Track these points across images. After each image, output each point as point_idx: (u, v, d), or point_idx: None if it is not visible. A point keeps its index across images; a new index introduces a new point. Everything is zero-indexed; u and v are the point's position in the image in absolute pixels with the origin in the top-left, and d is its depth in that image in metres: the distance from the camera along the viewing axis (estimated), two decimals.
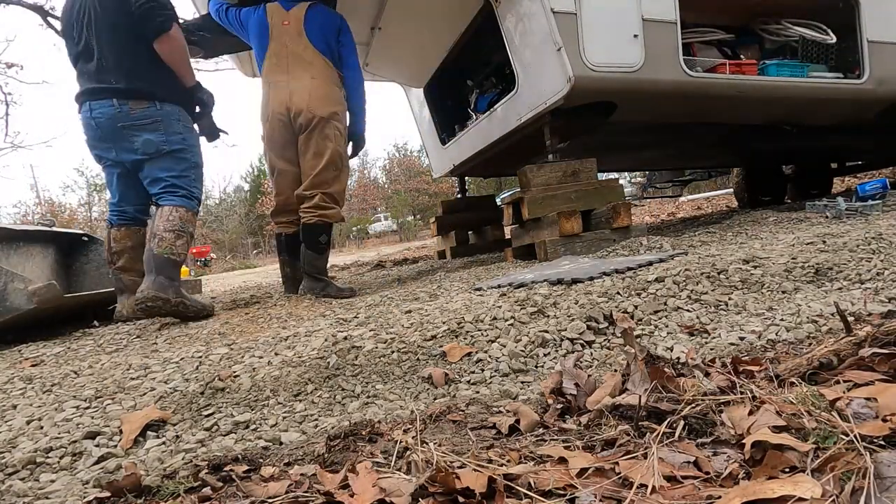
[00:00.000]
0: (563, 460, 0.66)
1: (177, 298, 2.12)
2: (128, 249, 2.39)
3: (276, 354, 1.40)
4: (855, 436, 0.56)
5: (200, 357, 1.47)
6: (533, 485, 0.60)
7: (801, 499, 0.48)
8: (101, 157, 2.33)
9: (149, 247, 2.17)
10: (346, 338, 1.43)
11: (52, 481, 0.82)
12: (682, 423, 0.69)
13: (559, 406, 0.86)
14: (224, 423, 0.98)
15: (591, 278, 1.77)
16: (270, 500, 0.64)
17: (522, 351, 1.22)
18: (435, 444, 0.75)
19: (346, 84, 2.70)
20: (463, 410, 0.92)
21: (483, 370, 1.16)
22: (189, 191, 2.31)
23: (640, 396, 0.75)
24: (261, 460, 0.79)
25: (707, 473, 0.59)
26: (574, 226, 2.71)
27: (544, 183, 2.86)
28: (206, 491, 0.70)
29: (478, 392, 1.05)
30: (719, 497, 0.53)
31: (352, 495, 0.62)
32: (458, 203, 4.91)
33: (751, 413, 0.68)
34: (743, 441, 0.62)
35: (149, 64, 2.22)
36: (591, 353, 1.20)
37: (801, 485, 0.50)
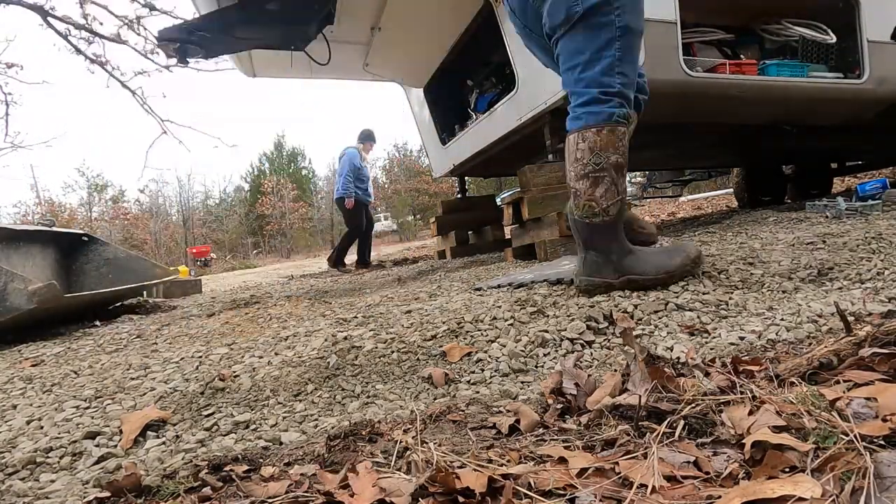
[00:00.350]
0: (563, 460, 0.66)
1: (620, 277, 1.49)
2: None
3: (276, 354, 1.40)
4: (855, 436, 0.56)
5: (200, 357, 1.48)
6: (533, 485, 0.60)
7: (801, 499, 0.48)
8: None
9: (569, 206, 1.57)
10: (346, 338, 1.43)
11: (52, 481, 0.82)
12: (682, 423, 0.69)
13: (559, 406, 0.86)
14: (224, 423, 0.98)
15: None
16: (270, 500, 0.64)
17: (522, 351, 1.22)
18: (435, 444, 0.75)
19: None
20: (463, 410, 0.92)
21: (483, 370, 1.16)
22: (605, 87, 1.45)
23: (640, 396, 0.75)
24: (261, 460, 0.79)
25: (707, 473, 0.59)
26: None
27: (544, 183, 2.86)
28: (206, 491, 0.70)
29: (478, 392, 1.05)
30: (719, 497, 0.53)
31: (352, 495, 0.62)
32: (458, 203, 4.91)
33: (751, 413, 0.68)
34: (743, 441, 0.62)
35: None
36: (591, 353, 1.20)
37: (801, 485, 0.50)
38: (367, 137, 6.33)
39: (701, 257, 1.53)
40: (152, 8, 6.87)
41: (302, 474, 0.71)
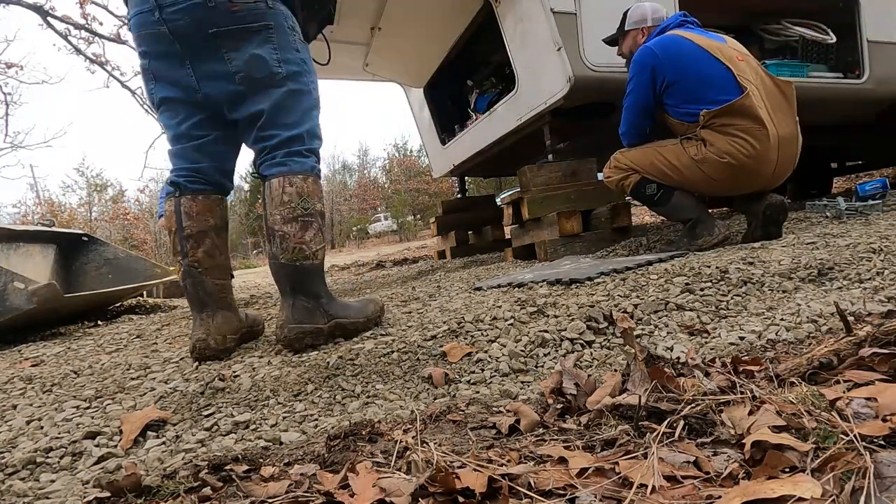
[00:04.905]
0: (563, 460, 0.66)
1: (329, 322, 1.45)
2: (210, 231, 1.53)
3: (276, 354, 1.40)
4: (855, 436, 0.56)
5: None
6: (533, 485, 0.60)
7: (801, 499, 0.48)
8: (166, 89, 1.48)
9: (270, 252, 1.47)
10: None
11: (52, 481, 0.82)
12: (682, 423, 0.69)
13: (559, 406, 0.86)
14: (224, 423, 0.98)
15: (591, 278, 1.77)
16: (270, 500, 0.64)
17: (522, 351, 1.22)
18: (435, 443, 0.75)
19: None
20: (463, 410, 0.92)
21: (483, 370, 1.16)
22: (308, 145, 1.51)
23: (640, 396, 0.75)
24: (261, 460, 0.79)
25: (707, 473, 0.59)
26: (574, 226, 2.72)
27: (544, 183, 2.86)
28: (206, 491, 0.70)
29: (478, 392, 1.05)
30: (719, 497, 0.53)
31: (352, 495, 0.62)
32: (458, 203, 4.91)
33: (751, 413, 0.68)
34: (743, 441, 0.62)
35: None
36: (591, 353, 1.20)
37: (801, 485, 0.50)
38: None
39: (384, 309, 1.67)
40: None
41: (302, 474, 0.71)
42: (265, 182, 1.46)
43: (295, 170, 1.45)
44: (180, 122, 1.50)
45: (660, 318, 1.36)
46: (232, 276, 1.60)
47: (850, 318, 1.13)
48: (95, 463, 0.87)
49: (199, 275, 1.48)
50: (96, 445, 0.93)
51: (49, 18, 6.72)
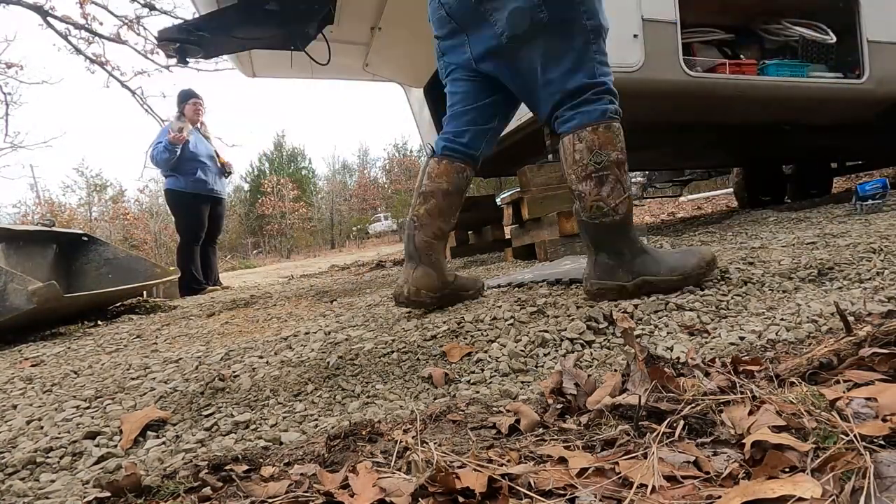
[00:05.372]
0: (563, 460, 0.66)
1: (634, 279, 1.41)
2: (438, 192, 1.64)
3: (276, 354, 1.40)
4: (855, 436, 0.56)
5: (200, 357, 1.48)
6: (533, 485, 0.60)
7: (801, 499, 0.48)
8: (451, 64, 1.68)
9: (574, 208, 1.49)
10: (346, 338, 1.43)
11: (52, 481, 0.82)
12: (682, 423, 0.69)
13: (559, 406, 0.86)
14: (224, 423, 0.98)
15: None
16: (270, 500, 0.64)
17: (522, 351, 1.22)
18: (435, 443, 0.75)
19: None
20: (463, 410, 0.92)
21: (483, 370, 1.16)
22: (594, 87, 1.43)
23: (640, 396, 0.75)
24: (261, 460, 0.79)
25: (707, 473, 0.59)
26: (574, 226, 2.71)
27: (544, 183, 2.86)
28: (206, 491, 0.70)
29: (478, 392, 1.05)
30: (719, 497, 0.53)
31: (352, 495, 0.62)
32: None
33: (751, 413, 0.68)
34: (743, 441, 0.62)
35: None
36: (591, 353, 1.20)
37: (801, 485, 0.50)
38: (183, 98, 4.51)
39: (715, 261, 1.48)
40: (152, 8, 6.88)
41: (302, 474, 0.71)
42: (560, 140, 1.46)
43: (583, 122, 1.40)
44: (455, 93, 1.66)
45: (660, 318, 1.36)
46: (445, 239, 1.68)
47: (850, 318, 1.13)
48: (95, 463, 0.87)
49: (414, 229, 1.62)
50: (96, 445, 0.93)
51: (49, 18, 6.72)
